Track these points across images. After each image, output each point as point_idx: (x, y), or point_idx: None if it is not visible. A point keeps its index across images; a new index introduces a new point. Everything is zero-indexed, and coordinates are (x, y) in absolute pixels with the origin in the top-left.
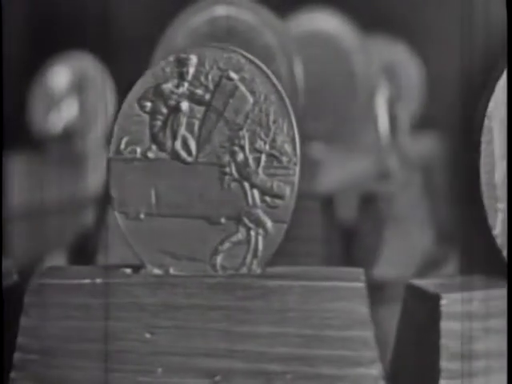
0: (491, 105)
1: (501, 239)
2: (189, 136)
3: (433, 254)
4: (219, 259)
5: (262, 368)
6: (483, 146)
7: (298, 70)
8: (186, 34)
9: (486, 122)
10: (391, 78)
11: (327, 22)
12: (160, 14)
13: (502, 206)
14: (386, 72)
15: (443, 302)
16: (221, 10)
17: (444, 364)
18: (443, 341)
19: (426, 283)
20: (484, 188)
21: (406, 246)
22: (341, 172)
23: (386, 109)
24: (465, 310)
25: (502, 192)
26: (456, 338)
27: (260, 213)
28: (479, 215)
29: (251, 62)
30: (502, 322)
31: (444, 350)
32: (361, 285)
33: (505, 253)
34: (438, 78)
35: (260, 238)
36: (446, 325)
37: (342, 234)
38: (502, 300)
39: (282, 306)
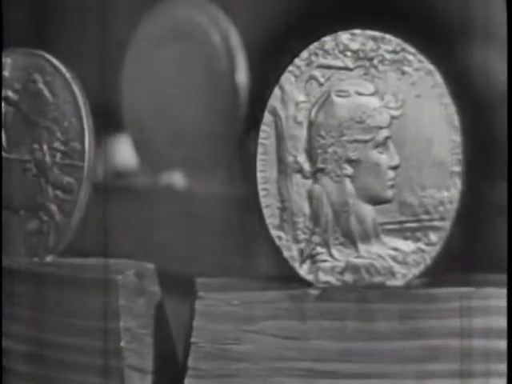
0: (272, 99)
1: (278, 239)
2: (3, 134)
3: None
4: (18, 248)
5: (18, 348)
6: (260, 141)
7: (241, 69)
8: (150, 35)
9: (268, 117)
10: None
11: None
12: None
13: (282, 204)
14: None
15: (198, 301)
16: (178, 12)
17: (192, 363)
18: (193, 339)
19: (211, 281)
20: (260, 187)
21: None
22: None
23: None
24: (226, 311)
25: (274, 189)
26: (210, 338)
27: (52, 206)
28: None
29: (53, 65)
30: (273, 325)
31: (194, 349)
32: (118, 277)
33: (286, 254)
34: None
35: (51, 230)
36: (199, 323)
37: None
38: (270, 303)
39: (43, 293)
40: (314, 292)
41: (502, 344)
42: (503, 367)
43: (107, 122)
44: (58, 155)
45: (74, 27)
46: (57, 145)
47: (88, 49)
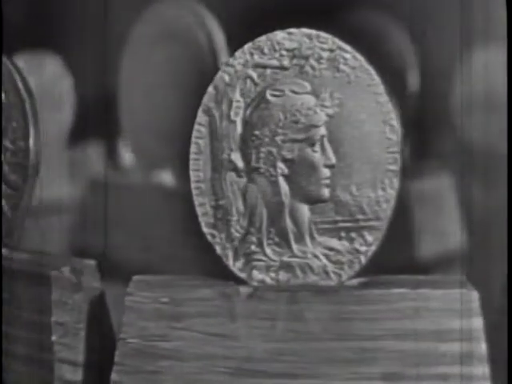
0: (207, 99)
1: (211, 236)
2: None
3: None
4: None
5: None
6: (193, 140)
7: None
8: (144, 36)
9: (202, 116)
10: None
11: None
12: None
13: (216, 203)
14: None
15: (127, 297)
16: (167, 13)
17: (118, 358)
18: (121, 335)
19: (148, 278)
20: (193, 185)
21: None
22: None
23: None
24: (154, 308)
25: (208, 188)
26: (138, 334)
27: (3, 202)
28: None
29: (4, 64)
30: (201, 322)
31: (121, 344)
32: (52, 273)
33: (220, 252)
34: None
35: (4, 225)
36: (127, 320)
37: None
38: (200, 301)
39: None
40: (245, 290)
41: (437, 346)
42: (437, 370)
43: (107, 120)
44: (8, 154)
45: (74, 27)
46: (7, 143)
47: (89, 49)
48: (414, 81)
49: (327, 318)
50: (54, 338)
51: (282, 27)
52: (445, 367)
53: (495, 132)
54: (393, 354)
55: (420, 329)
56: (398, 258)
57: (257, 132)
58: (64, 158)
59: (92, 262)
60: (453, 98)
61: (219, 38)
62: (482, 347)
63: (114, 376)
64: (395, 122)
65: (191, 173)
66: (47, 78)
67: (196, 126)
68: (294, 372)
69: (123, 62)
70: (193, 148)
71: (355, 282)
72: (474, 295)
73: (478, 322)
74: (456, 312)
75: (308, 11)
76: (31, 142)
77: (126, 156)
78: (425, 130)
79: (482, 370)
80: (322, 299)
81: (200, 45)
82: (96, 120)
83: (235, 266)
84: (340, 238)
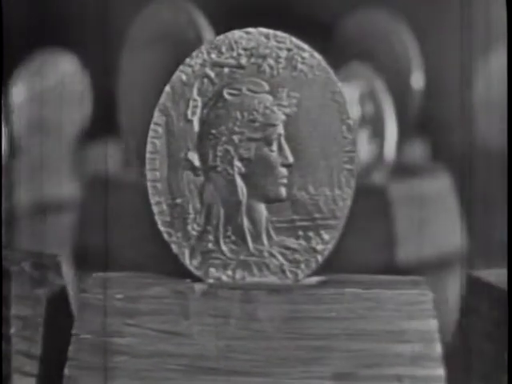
0: (163, 98)
1: (167, 235)
2: None
3: None
4: None
5: None
6: (149, 140)
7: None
8: (139, 37)
9: (159, 116)
10: None
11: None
12: None
13: (172, 201)
14: None
15: (82, 294)
16: (161, 13)
17: (72, 354)
18: (74, 330)
19: (111, 275)
20: (149, 184)
21: None
22: None
23: None
24: (108, 305)
25: (165, 187)
26: (91, 330)
27: None
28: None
29: None
30: (155, 319)
31: (74, 340)
32: (13, 268)
33: (176, 250)
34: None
35: None
36: (81, 315)
37: None
38: (153, 299)
39: None
40: (199, 288)
41: (391, 347)
42: (391, 371)
43: (108, 120)
44: None
45: (75, 28)
46: None
47: (89, 49)
48: (417, 81)
49: (281, 317)
50: (12, 330)
51: (276, 27)
52: (399, 368)
53: (496, 132)
54: (346, 353)
55: (374, 329)
56: (395, 258)
57: (214, 131)
58: (72, 156)
59: (56, 258)
60: (454, 99)
61: (209, 37)
62: (437, 349)
63: (66, 371)
64: (352, 121)
65: (147, 172)
66: (61, 77)
67: (152, 126)
68: (246, 370)
69: (121, 62)
70: (149, 147)
71: (313, 280)
72: (429, 296)
73: (432, 323)
74: (410, 313)
75: (305, 11)
76: (3, 143)
77: (124, 155)
78: (425, 131)
79: (437, 371)
80: (276, 298)
81: (190, 44)
82: (97, 120)
83: (192, 264)
84: (297, 237)
